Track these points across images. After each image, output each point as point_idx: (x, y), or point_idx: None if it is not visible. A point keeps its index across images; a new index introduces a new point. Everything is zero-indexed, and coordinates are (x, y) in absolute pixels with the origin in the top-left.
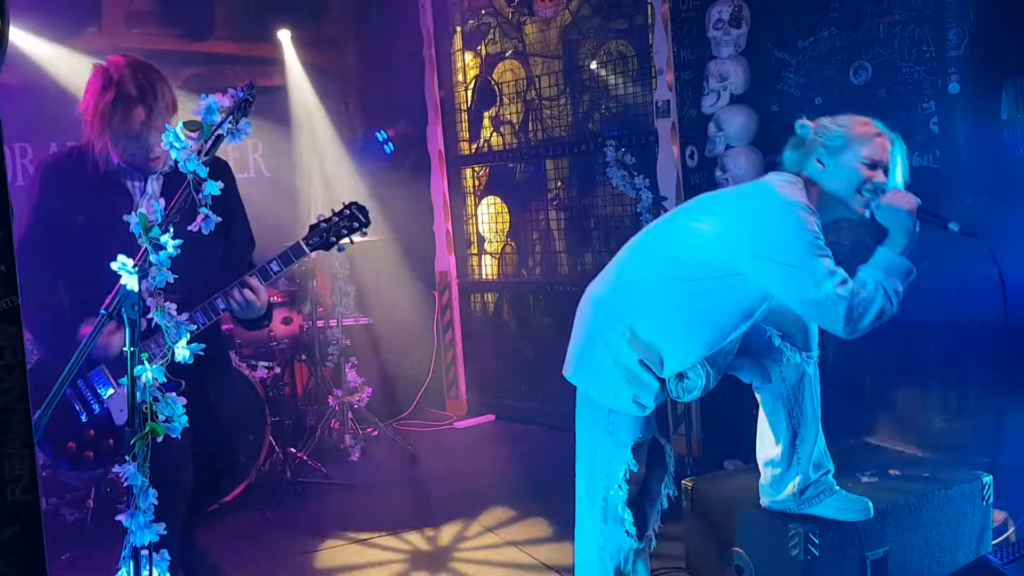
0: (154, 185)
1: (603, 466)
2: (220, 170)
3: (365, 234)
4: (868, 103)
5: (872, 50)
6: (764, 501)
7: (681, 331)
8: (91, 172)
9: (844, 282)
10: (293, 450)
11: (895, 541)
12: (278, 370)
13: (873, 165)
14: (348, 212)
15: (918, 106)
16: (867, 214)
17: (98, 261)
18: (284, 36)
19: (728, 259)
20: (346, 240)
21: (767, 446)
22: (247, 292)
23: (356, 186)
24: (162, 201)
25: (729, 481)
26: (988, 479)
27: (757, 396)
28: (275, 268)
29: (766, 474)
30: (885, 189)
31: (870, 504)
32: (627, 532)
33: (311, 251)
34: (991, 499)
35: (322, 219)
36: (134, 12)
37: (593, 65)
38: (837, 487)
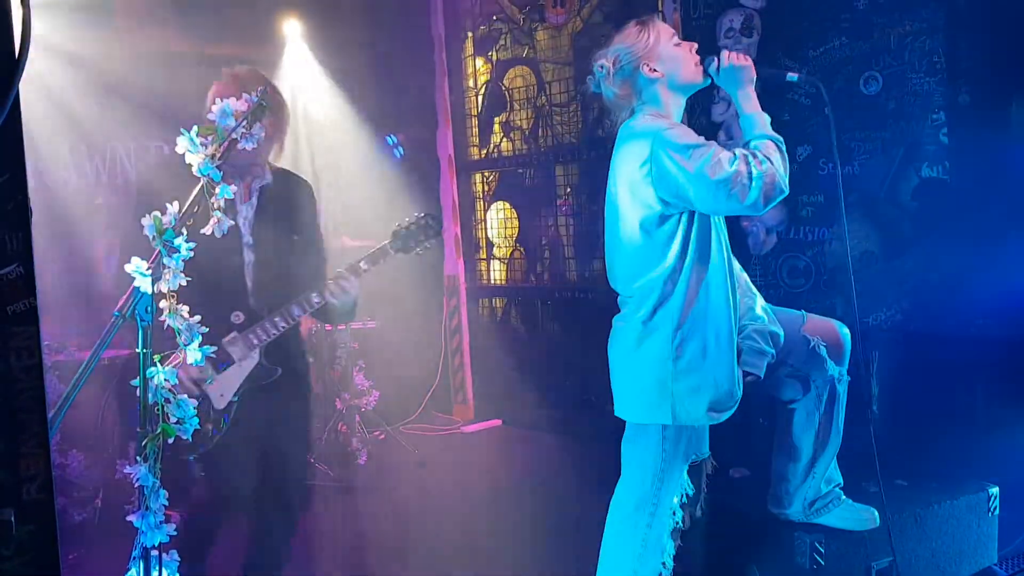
0: (256, 194)
1: (652, 492)
2: (301, 191)
3: (435, 242)
4: (878, 113)
5: (882, 61)
6: (774, 511)
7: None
8: None
9: (746, 158)
10: None
11: (901, 551)
12: None
13: (676, 38)
14: (424, 222)
15: (928, 117)
16: (707, 80)
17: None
18: (291, 27)
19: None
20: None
21: (786, 460)
22: (344, 283)
23: (366, 189)
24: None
25: (735, 489)
26: (994, 490)
27: (789, 410)
28: (364, 266)
29: (779, 487)
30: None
31: (876, 513)
32: (663, 563)
33: (395, 253)
34: (997, 510)
35: (402, 226)
36: (146, 14)
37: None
38: (844, 497)
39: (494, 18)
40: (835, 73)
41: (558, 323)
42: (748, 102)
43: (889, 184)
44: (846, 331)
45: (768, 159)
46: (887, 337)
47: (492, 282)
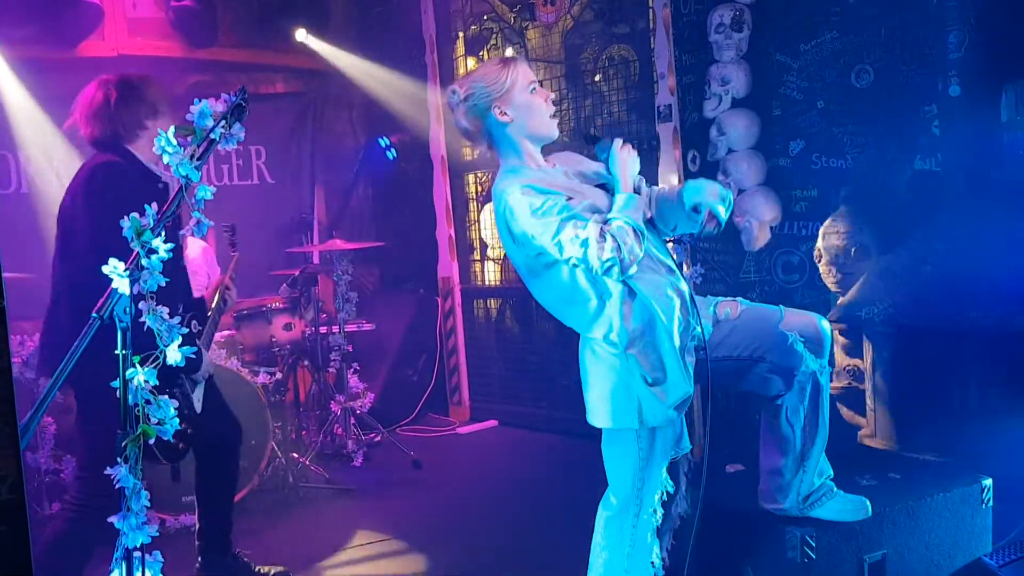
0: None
1: (634, 493)
2: None
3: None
4: (870, 106)
5: (874, 54)
6: (766, 507)
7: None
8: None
9: (595, 243)
10: (295, 455)
11: (893, 544)
12: (280, 376)
13: (534, 86)
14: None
15: (920, 109)
16: (557, 133)
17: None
18: (302, 35)
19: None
20: None
21: (775, 455)
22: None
23: (359, 192)
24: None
25: (728, 485)
26: (988, 482)
27: (776, 406)
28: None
29: (770, 482)
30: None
31: (868, 504)
32: (652, 563)
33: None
34: (991, 502)
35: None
36: (137, 19)
37: (597, 78)
38: (836, 489)
39: (485, 18)
40: (827, 67)
41: (553, 323)
42: (624, 182)
43: (882, 177)
44: (825, 324)
45: (619, 246)
46: (880, 330)
47: (487, 283)
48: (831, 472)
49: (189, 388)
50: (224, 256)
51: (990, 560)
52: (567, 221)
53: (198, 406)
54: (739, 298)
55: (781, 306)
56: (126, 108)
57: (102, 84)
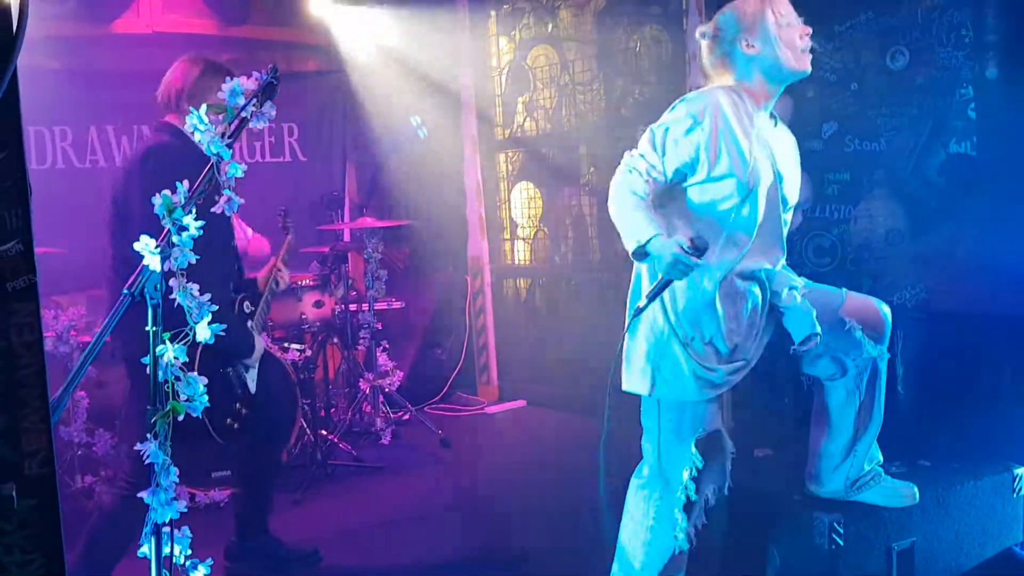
0: None
1: (658, 465)
2: None
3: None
4: (905, 88)
5: (909, 35)
6: (813, 490)
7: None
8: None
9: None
10: (324, 432)
11: (922, 532)
12: (309, 353)
13: (788, 20)
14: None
15: (956, 92)
16: (805, 71)
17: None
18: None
19: None
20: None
21: (827, 438)
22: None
23: (389, 171)
24: None
25: (756, 469)
26: (1020, 471)
27: (828, 387)
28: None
29: (820, 465)
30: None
31: (916, 490)
32: (676, 536)
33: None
34: (1022, 491)
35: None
36: None
37: (636, 46)
38: (884, 474)
39: None
40: (862, 48)
41: (582, 303)
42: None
43: (916, 160)
44: (886, 309)
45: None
46: (912, 316)
47: (516, 262)
48: (880, 458)
49: (243, 369)
50: (277, 240)
51: (1021, 551)
52: (639, 161)
53: (252, 387)
54: (802, 277)
55: (844, 289)
56: (204, 91)
57: (194, 62)
